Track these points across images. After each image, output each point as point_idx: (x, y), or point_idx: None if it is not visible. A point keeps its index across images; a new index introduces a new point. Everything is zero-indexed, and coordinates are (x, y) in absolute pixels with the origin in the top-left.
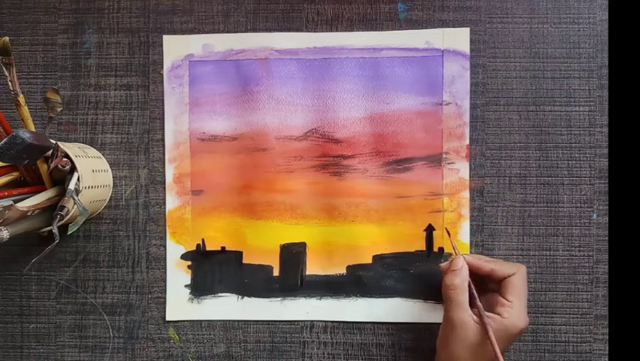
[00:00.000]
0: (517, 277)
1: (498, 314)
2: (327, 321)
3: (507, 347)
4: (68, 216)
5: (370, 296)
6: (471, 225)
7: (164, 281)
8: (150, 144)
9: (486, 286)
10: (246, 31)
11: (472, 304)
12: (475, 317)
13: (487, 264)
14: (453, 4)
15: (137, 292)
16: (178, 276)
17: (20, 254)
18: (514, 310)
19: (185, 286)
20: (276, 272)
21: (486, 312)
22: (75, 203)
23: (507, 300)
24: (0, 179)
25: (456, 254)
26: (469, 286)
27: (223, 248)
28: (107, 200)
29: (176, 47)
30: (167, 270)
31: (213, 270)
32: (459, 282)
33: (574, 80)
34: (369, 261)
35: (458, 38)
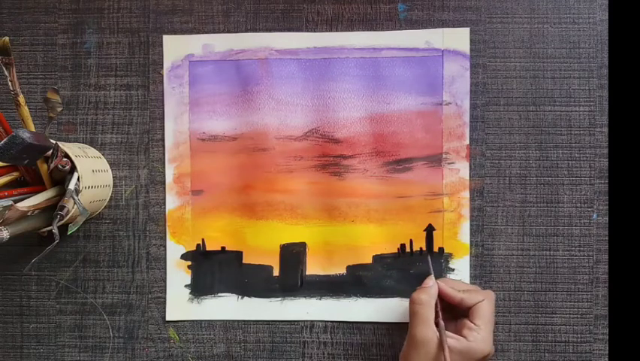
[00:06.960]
0: (485, 303)
1: (464, 337)
2: (327, 321)
3: None
4: (68, 216)
5: (370, 296)
6: (471, 225)
7: (164, 281)
8: (150, 144)
9: (457, 312)
10: (246, 31)
11: (437, 323)
12: (438, 335)
13: (458, 294)
14: (453, 4)
15: (137, 292)
16: (178, 276)
17: (20, 254)
18: (479, 335)
19: (185, 286)
20: (276, 272)
21: (452, 333)
22: (75, 203)
23: (474, 324)
24: (0, 179)
25: (431, 273)
26: (436, 305)
27: (223, 248)
28: (107, 200)
29: (176, 47)
30: (167, 270)
31: (213, 270)
32: (426, 298)
33: (574, 80)
34: (369, 261)
35: (458, 38)
